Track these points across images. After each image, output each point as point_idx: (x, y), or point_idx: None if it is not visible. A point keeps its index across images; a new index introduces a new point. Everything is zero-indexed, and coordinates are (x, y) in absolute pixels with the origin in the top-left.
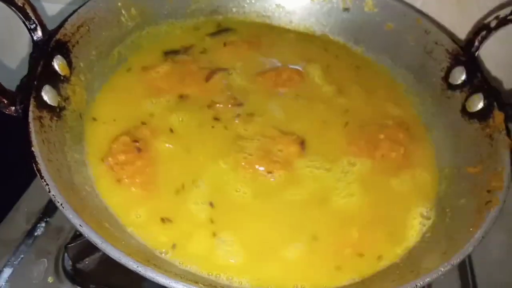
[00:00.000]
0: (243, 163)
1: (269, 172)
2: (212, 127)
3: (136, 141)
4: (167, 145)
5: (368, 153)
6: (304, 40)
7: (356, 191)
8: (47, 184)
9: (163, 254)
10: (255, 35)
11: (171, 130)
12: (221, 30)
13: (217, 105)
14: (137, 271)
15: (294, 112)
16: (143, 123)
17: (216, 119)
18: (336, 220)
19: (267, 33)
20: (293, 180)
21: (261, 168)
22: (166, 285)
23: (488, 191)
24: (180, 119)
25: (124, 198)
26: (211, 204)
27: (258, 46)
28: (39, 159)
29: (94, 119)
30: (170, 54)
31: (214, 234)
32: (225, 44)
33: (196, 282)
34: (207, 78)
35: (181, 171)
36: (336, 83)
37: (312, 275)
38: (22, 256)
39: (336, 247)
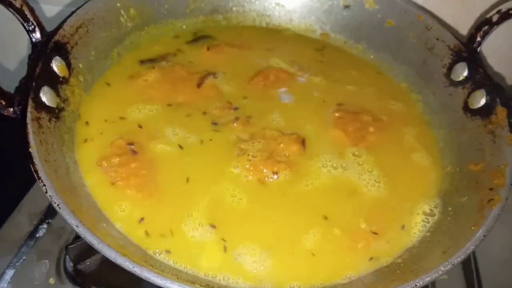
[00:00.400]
0: (247, 166)
1: (275, 173)
2: (211, 137)
3: (131, 143)
4: (161, 145)
5: (353, 141)
6: (286, 39)
7: (379, 176)
8: (44, 185)
9: (158, 255)
10: (236, 37)
11: (169, 138)
12: (199, 37)
13: (214, 110)
14: (133, 272)
15: (289, 110)
16: (140, 127)
17: (214, 123)
18: (368, 207)
19: (247, 35)
20: (301, 178)
21: (266, 170)
22: (162, 286)
23: (491, 189)
24: (177, 127)
25: (118, 200)
26: (212, 226)
27: (240, 47)
28: (36, 160)
29: (87, 123)
30: (146, 62)
31: (225, 249)
32: (208, 48)
33: (193, 283)
34: (199, 84)
35: (180, 176)
36: (323, 74)
37: (345, 263)
38: (24, 257)
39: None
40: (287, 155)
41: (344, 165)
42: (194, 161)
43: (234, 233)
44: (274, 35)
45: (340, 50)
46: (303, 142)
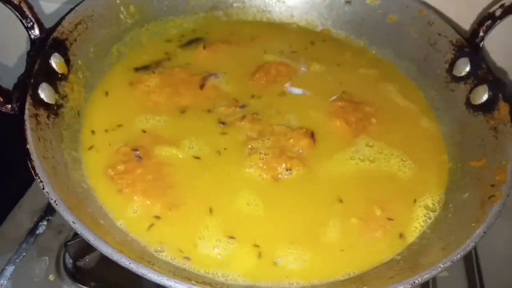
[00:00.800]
0: (260, 164)
1: (288, 169)
2: (220, 139)
3: (136, 149)
4: (166, 148)
5: (355, 132)
6: (279, 30)
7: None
8: (41, 181)
9: (158, 253)
10: (229, 34)
11: (176, 142)
12: (192, 40)
13: (220, 109)
14: (129, 268)
15: (293, 103)
16: (144, 132)
17: (222, 123)
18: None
19: (240, 31)
20: (315, 172)
21: (280, 167)
22: (159, 282)
23: (492, 185)
24: (185, 131)
25: (127, 207)
26: (231, 237)
27: (237, 44)
28: (34, 156)
29: (93, 132)
30: (141, 70)
31: (260, 255)
32: (204, 47)
33: (189, 279)
34: (201, 85)
35: (187, 182)
36: (321, 64)
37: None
38: (24, 254)
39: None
40: (298, 150)
41: (371, 158)
42: (203, 166)
43: (263, 237)
44: (267, 28)
45: (336, 40)
46: (312, 135)
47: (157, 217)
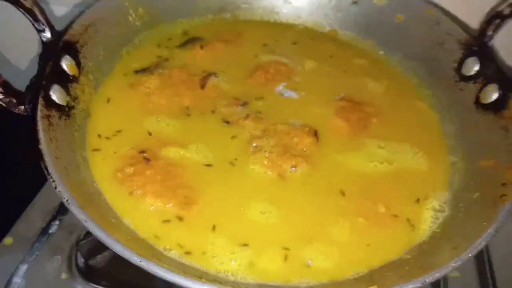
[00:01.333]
0: (265, 162)
1: (293, 167)
2: (233, 137)
3: (143, 151)
4: (174, 149)
5: (357, 131)
6: (274, 29)
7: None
8: (53, 181)
9: (167, 251)
10: (224, 34)
11: (184, 145)
12: (189, 40)
13: (222, 109)
14: (140, 266)
15: (295, 102)
16: (150, 134)
17: (226, 122)
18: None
19: (238, 30)
20: (319, 170)
21: (285, 164)
22: (170, 280)
23: (503, 184)
24: (190, 132)
25: (138, 209)
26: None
27: (234, 43)
28: (46, 156)
29: (99, 136)
30: (140, 72)
31: (286, 257)
32: (201, 47)
33: (200, 277)
34: (202, 85)
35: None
36: (320, 62)
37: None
38: (37, 253)
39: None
40: (302, 148)
41: (389, 159)
42: (212, 167)
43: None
44: (262, 26)
45: (333, 38)
46: (315, 134)
47: (170, 218)
